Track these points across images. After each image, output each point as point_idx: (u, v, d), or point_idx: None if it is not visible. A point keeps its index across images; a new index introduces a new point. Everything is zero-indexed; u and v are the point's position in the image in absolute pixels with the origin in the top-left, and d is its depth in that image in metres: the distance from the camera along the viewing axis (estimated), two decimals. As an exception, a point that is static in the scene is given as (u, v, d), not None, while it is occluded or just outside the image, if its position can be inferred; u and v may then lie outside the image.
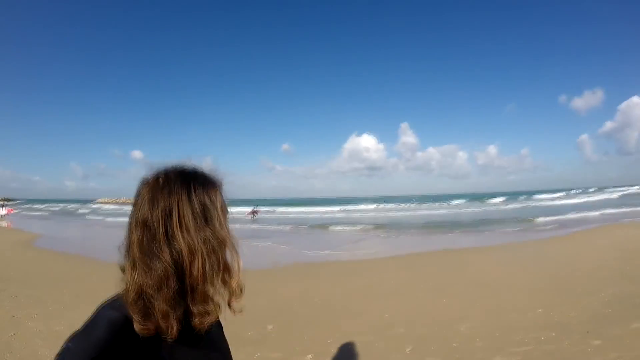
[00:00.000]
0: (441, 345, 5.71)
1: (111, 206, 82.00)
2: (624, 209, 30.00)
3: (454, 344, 5.72)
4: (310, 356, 5.42)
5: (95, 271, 11.50)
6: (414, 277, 10.30)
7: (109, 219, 40.89)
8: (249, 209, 44.35)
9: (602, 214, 27.79)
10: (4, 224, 32.18)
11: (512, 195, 79.82)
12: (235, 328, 6.67)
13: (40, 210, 71.23)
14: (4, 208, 40.87)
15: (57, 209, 76.23)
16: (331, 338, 6.06)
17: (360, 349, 5.59)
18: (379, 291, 8.97)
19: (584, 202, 47.80)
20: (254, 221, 36.11)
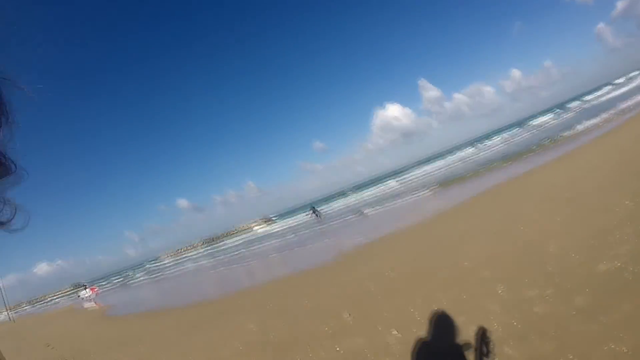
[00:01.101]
0: (535, 274, 5.04)
1: (169, 259, 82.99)
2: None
3: (549, 268, 5.04)
4: (395, 331, 4.88)
5: (163, 319, 11.47)
6: (482, 217, 9.58)
7: (168, 271, 41.39)
8: (308, 212, 44.85)
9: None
10: (94, 305, 29.90)
11: (558, 107, 75.22)
12: (308, 327, 6.26)
13: (115, 283, 72.13)
14: (87, 290, 40.67)
15: (124, 276, 77.72)
16: (413, 306, 5.49)
17: (447, 306, 4.99)
18: (450, 243, 8.32)
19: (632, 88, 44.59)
20: (318, 220, 35.86)
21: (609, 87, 65.94)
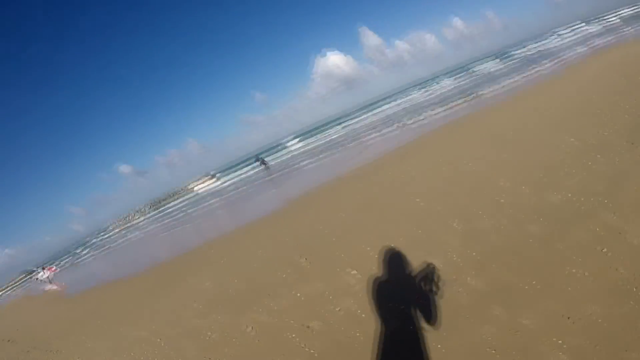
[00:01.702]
0: (488, 206, 5.09)
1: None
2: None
3: (501, 200, 5.11)
4: (354, 271, 4.81)
5: (119, 291, 11.06)
6: (429, 156, 9.64)
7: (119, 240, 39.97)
8: (257, 163, 45.61)
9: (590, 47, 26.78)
10: (53, 287, 25.69)
11: (502, 54, 76.28)
12: (266, 277, 6.07)
13: (66, 262, 67.64)
14: (44, 270, 36.85)
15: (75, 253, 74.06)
16: (368, 244, 5.42)
17: (404, 243, 4.96)
18: (399, 182, 8.31)
19: (574, 38, 45.80)
20: (267, 170, 36.32)
21: (553, 37, 66.88)
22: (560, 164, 5.61)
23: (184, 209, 36.09)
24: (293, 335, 3.99)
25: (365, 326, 3.65)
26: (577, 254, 3.36)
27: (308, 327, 4.03)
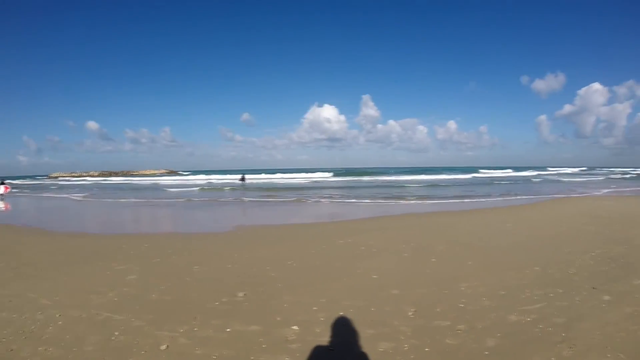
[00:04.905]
0: (447, 306, 4.93)
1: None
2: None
3: (460, 305, 4.96)
4: (295, 327, 4.42)
5: (39, 242, 10.16)
6: (392, 238, 9.55)
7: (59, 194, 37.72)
8: (238, 176, 48.79)
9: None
10: (1, 205, 24.43)
11: (498, 169, 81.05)
12: (196, 297, 5.52)
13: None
14: (2, 186, 32.65)
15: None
16: (316, 304, 5.10)
17: (354, 314, 4.67)
18: (359, 252, 8.12)
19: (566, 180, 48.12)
20: (244, 186, 38.40)
21: (534, 172, 71.13)
22: (523, 287, 5.61)
23: (138, 190, 35.34)
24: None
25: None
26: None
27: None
